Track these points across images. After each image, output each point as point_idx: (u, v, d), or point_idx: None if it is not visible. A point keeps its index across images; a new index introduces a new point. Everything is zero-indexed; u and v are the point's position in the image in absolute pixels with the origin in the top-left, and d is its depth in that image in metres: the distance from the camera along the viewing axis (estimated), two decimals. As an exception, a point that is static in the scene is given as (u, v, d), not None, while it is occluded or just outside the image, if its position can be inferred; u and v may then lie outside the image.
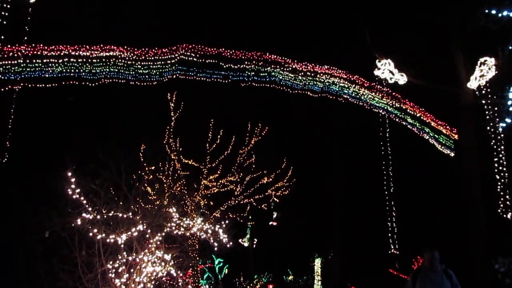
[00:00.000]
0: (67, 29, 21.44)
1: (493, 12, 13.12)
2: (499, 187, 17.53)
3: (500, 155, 17.70)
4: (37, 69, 17.04)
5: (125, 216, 11.20)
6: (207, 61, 19.19)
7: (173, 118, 17.96)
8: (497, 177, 17.63)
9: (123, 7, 24.01)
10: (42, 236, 11.22)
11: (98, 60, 17.87)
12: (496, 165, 17.81)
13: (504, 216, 17.46)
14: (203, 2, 27.57)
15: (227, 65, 19.38)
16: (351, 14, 21.82)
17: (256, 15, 26.80)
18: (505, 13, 12.90)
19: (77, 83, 17.79)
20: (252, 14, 26.78)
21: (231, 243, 15.03)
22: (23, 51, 16.60)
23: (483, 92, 18.03)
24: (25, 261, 13.78)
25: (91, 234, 10.57)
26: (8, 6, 14.69)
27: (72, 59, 17.47)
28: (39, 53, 16.97)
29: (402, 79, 19.52)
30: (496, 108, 17.54)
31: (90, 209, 10.64)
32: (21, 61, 16.62)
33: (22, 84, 16.74)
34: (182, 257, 13.85)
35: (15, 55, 16.42)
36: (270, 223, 37.61)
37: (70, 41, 17.59)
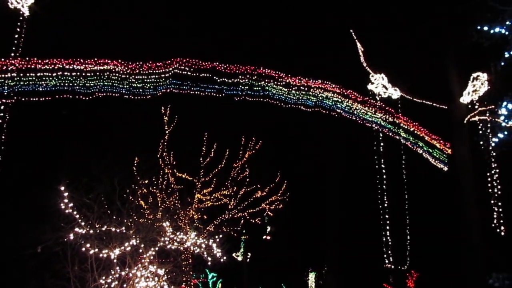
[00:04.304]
0: (61, 42, 21.41)
1: (485, 28, 13.25)
2: (492, 201, 17.59)
3: (493, 171, 17.78)
4: (30, 82, 16.96)
5: (118, 230, 11.14)
6: (201, 75, 19.20)
7: (167, 132, 17.96)
8: (490, 191, 17.70)
9: (117, 21, 24.04)
10: (35, 251, 11.13)
11: (92, 74, 17.82)
12: (489, 179, 17.88)
13: (498, 230, 17.49)
14: (197, 17, 27.71)
15: (221, 79, 19.39)
16: (345, 29, 21.94)
17: (250, 29, 26.93)
18: (497, 29, 13.02)
19: (71, 96, 17.72)
20: (246, 28, 26.91)
21: (224, 258, 14.96)
22: (17, 65, 16.55)
23: (476, 107, 18.16)
24: (18, 277, 13.64)
25: (83, 249, 10.50)
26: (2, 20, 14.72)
27: (66, 73, 17.41)
28: (32, 66, 16.90)
29: (395, 93, 19.68)
30: (488, 124, 17.65)
31: (83, 223, 10.58)
32: (15, 74, 16.55)
33: (15, 97, 16.65)
34: (175, 272, 13.75)
35: (9, 68, 16.36)
36: (264, 237, 37.46)
37: (64, 55, 17.56)
